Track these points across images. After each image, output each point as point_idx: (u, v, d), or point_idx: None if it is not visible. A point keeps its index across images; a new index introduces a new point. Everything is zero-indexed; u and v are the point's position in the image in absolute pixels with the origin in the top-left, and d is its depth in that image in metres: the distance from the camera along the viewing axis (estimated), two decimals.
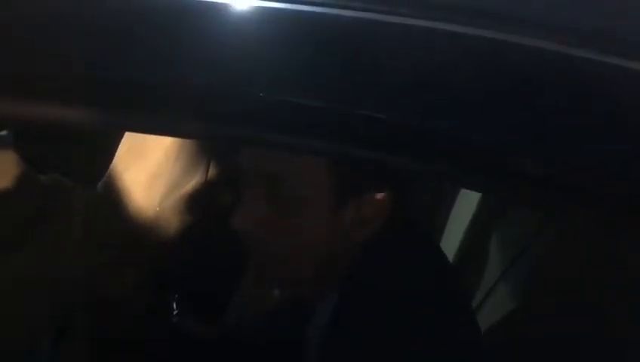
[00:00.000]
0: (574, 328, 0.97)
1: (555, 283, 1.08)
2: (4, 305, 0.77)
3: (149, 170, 1.27)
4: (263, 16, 0.48)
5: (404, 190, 0.78)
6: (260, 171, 0.75)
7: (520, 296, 1.15)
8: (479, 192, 1.21)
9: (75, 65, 0.51)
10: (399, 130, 0.49)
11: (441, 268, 0.83)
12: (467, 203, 1.69)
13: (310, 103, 0.48)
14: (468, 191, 1.70)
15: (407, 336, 0.72)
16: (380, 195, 0.74)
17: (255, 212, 0.75)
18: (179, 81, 0.49)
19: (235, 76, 0.49)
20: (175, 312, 1.20)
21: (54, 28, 0.50)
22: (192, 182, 1.43)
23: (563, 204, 0.52)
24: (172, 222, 1.35)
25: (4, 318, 0.76)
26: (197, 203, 1.39)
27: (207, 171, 1.39)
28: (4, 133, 1.26)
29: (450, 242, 1.68)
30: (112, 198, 1.05)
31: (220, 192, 1.40)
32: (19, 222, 0.79)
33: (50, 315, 0.86)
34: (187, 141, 1.27)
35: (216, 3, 0.48)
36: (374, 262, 0.78)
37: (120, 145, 1.11)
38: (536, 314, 1.07)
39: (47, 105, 0.51)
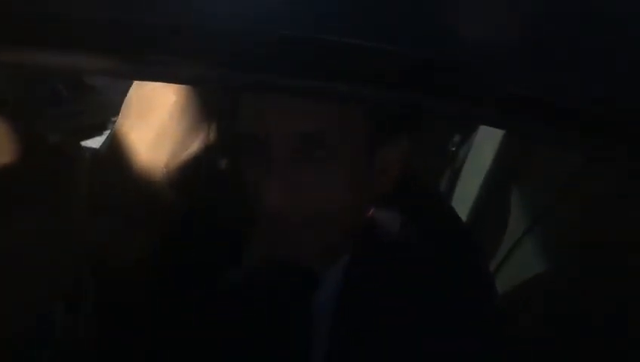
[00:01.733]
0: (599, 293, 0.94)
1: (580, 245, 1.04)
2: (14, 271, 0.74)
3: (153, 129, 1.23)
4: None
5: (423, 141, 0.76)
6: (295, 132, 0.68)
7: (542, 257, 1.12)
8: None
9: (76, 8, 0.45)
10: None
11: (453, 229, 0.79)
12: (480, 160, 1.66)
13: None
14: (480, 148, 1.67)
15: (419, 301, 0.69)
16: (403, 143, 0.74)
17: (289, 179, 0.69)
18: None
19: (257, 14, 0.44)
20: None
21: None
22: (195, 144, 1.41)
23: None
24: (178, 185, 1.33)
25: (14, 285, 0.73)
26: (199, 166, 1.37)
27: (209, 134, 1.36)
28: None
29: (464, 200, 1.65)
30: (116, 159, 1.00)
31: (222, 156, 1.37)
32: (28, 184, 0.75)
33: (60, 282, 0.83)
34: (191, 99, 1.22)
35: None
36: (385, 224, 0.75)
37: (123, 105, 1.06)
38: (561, 276, 1.04)
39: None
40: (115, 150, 1.00)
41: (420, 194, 0.80)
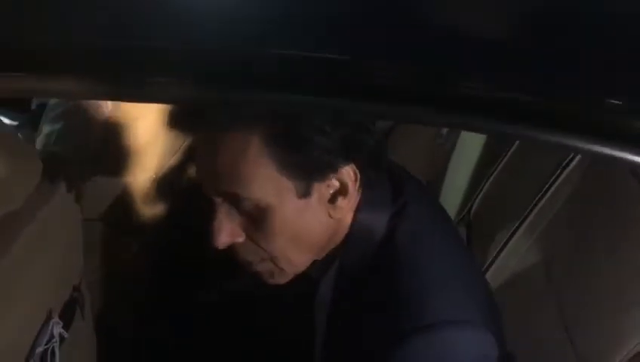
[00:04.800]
0: None
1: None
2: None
3: (144, 135, 1.24)
4: None
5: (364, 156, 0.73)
6: (220, 192, 0.72)
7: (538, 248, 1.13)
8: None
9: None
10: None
11: (442, 227, 0.81)
12: (468, 152, 1.67)
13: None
14: (468, 141, 1.67)
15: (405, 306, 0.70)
16: (344, 167, 0.71)
17: (229, 227, 0.72)
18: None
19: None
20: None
21: None
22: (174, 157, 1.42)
23: None
24: (165, 193, 1.33)
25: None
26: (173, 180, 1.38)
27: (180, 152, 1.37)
28: None
29: (454, 191, 1.66)
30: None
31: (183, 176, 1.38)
32: None
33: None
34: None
35: None
36: (363, 231, 0.75)
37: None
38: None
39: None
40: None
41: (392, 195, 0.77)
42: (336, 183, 0.72)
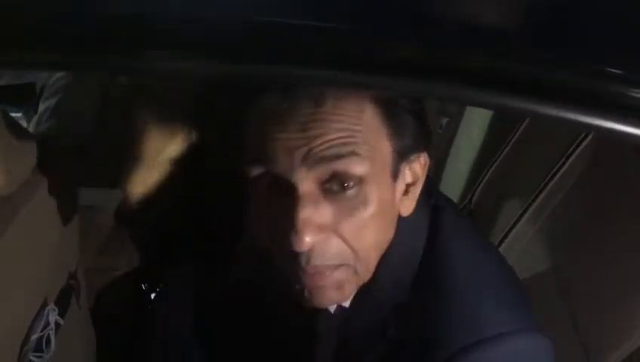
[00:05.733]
0: None
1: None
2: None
3: (144, 121, 1.22)
4: None
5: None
6: (318, 171, 0.57)
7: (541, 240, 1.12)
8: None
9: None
10: None
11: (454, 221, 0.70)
12: (469, 141, 1.66)
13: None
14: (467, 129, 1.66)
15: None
16: (421, 153, 0.64)
17: (318, 222, 0.58)
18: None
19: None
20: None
21: None
22: (175, 143, 1.40)
23: None
24: (168, 177, 1.32)
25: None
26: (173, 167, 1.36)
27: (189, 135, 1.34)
28: None
29: (455, 181, 1.64)
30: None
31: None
32: None
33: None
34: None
35: None
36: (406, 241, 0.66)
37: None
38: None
39: None
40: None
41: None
42: (408, 173, 0.63)
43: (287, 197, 0.58)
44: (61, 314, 0.81)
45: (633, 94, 0.43)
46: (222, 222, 1.36)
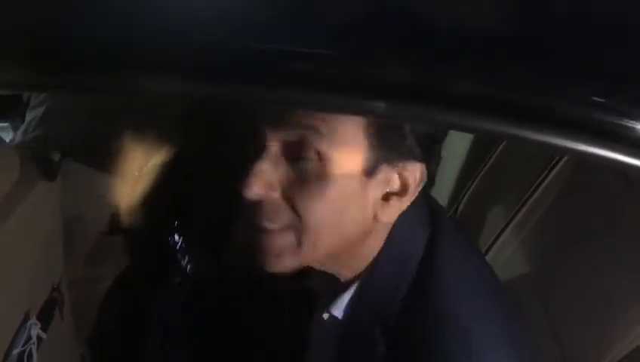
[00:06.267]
0: None
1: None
2: None
3: (132, 130, 1.22)
4: None
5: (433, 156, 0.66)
6: (286, 132, 0.62)
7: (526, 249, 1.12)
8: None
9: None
10: None
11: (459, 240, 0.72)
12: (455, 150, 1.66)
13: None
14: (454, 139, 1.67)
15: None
16: (415, 164, 0.63)
17: (270, 178, 0.63)
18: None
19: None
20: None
21: None
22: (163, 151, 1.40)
23: None
24: (156, 186, 1.32)
25: None
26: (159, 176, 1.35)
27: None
28: None
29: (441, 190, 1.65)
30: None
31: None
32: None
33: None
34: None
35: None
36: (397, 253, 0.67)
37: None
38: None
39: None
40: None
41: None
42: (396, 180, 0.64)
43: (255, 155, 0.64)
44: (44, 328, 0.80)
45: (616, 122, 0.44)
46: (211, 227, 1.37)
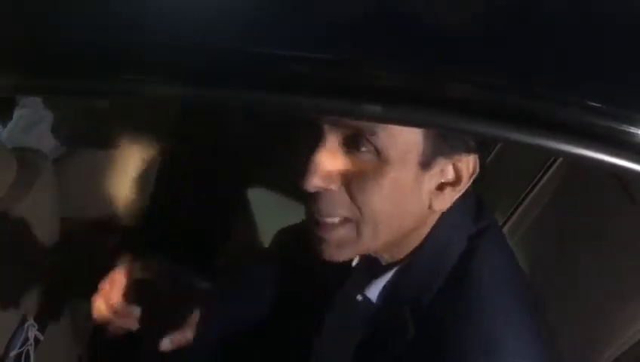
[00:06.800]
0: None
1: None
2: None
3: (122, 132, 1.22)
4: None
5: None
6: (342, 123, 0.63)
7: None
8: None
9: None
10: None
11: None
12: None
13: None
14: None
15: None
16: (469, 155, 0.64)
17: (329, 170, 0.64)
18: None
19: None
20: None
21: None
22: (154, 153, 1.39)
23: None
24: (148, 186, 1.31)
25: None
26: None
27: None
28: None
29: None
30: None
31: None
32: None
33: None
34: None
35: None
36: (440, 243, 0.69)
37: None
38: None
39: None
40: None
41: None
42: (451, 171, 0.65)
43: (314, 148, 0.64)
44: (41, 330, 0.80)
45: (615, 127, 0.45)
46: (205, 225, 1.37)
